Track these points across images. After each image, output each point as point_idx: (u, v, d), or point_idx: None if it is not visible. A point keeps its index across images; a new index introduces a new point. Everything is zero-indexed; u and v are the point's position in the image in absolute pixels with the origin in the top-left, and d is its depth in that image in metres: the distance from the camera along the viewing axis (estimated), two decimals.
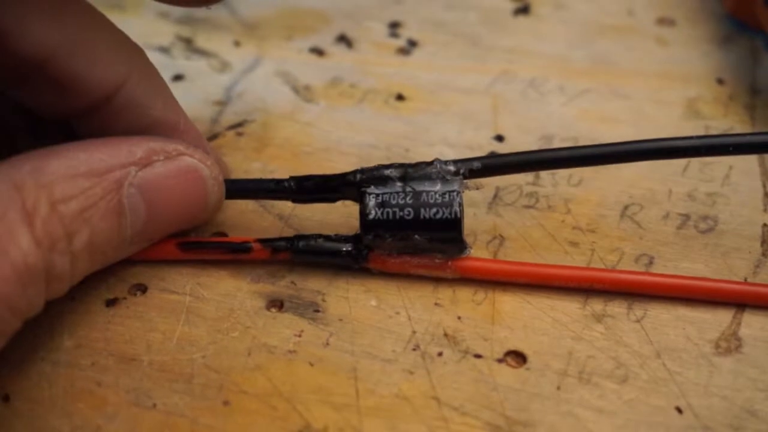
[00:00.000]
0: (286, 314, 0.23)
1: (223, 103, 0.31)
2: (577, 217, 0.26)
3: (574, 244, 0.25)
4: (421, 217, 0.23)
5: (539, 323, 0.23)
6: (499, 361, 0.22)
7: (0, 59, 0.21)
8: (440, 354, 0.22)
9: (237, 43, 0.34)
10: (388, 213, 0.23)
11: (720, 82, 0.31)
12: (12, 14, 0.21)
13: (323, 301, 0.24)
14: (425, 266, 0.24)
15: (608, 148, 0.24)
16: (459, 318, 0.23)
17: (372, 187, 0.23)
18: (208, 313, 0.23)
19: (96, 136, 0.23)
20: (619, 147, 0.24)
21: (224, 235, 0.26)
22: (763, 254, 0.25)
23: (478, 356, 0.22)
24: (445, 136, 0.29)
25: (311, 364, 0.22)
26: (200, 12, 0.35)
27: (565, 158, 0.24)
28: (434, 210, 0.23)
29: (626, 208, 0.26)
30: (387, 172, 0.23)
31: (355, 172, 0.24)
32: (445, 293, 0.24)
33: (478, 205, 0.26)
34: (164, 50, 0.34)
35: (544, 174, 0.27)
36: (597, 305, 0.23)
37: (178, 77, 0.32)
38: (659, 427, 0.21)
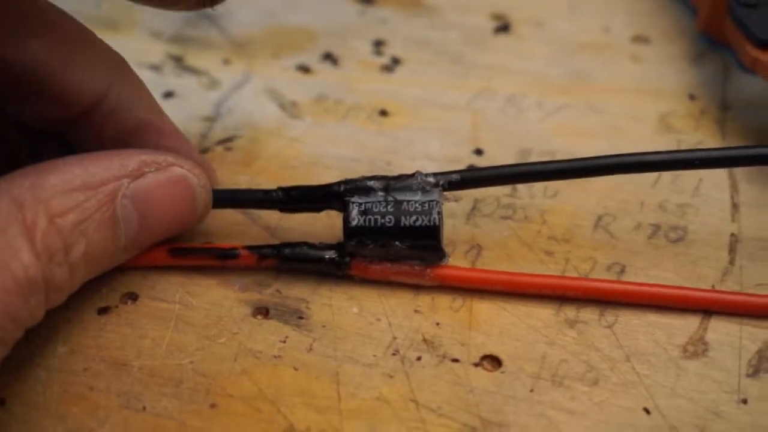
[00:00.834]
0: (272, 321, 0.24)
1: (212, 119, 0.32)
2: (552, 227, 0.27)
3: (549, 253, 0.26)
4: (402, 224, 0.24)
5: (514, 329, 0.24)
6: (476, 365, 0.23)
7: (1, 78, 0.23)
8: (419, 358, 0.23)
9: (226, 61, 0.35)
10: (370, 220, 0.24)
11: (692, 97, 0.32)
12: (8, 34, 0.22)
13: (307, 308, 0.25)
14: (405, 273, 0.25)
15: (583, 162, 0.25)
16: (437, 324, 0.24)
17: (355, 196, 0.24)
18: (197, 320, 0.24)
19: (88, 141, 0.25)
20: (593, 161, 0.25)
21: None
22: (730, 262, 0.26)
23: (455, 360, 0.23)
24: (427, 151, 0.30)
25: (295, 369, 0.23)
26: (191, 31, 0.36)
27: (541, 172, 0.25)
28: (414, 218, 0.24)
29: (600, 218, 0.27)
30: (370, 183, 0.25)
31: (339, 183, 0.25)
32: (424, 300, 0.25)
33: (457, 216, 0.27)
34: (155, 68, 0.35)
35: (521, 186, 0.28)
36: (570, 312, 0.24)
37: (168, 94, 0.33)
38: (628, 427, 0.22)
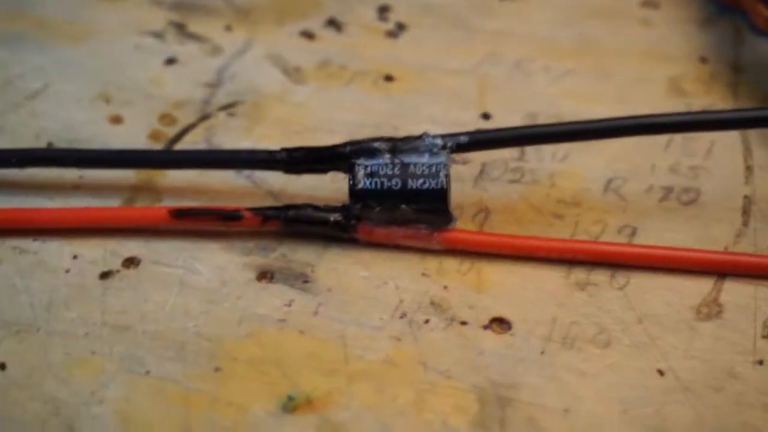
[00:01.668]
0: (277, 285, 0.24)
1: (214, 86, 0.31)
2: (561, 190, 0.27)
3: (558, 216, 0.26)
4: (409, 187, 0.23)
5: (524, 292, 0.24)
6: (485, 327, 0.23)
7: None
8: (427, 321, 0.23)
9: (228, 28, 0.34)
10: (376, 183, 0.24)
11: (703, 60, 0.32)
12: None
13: (312, 272, 0.24)
14: (412, 237, 0.24)
15: (594, 124, 0.24)
16: (445, 287, 0.24)
17: (361, 158, 0.24)
18: (200, 284, 0.24)
19: None
20: (604, 123, 0.24)
21: None
22: (744, 224, 0.25)
23: (464, 323, 0.23)
24: (433, 115, 0.30)
25: (301, 332, 0.23)
26: None
27: (552, 133, 0.25)
28: (421, 181, 0.23)
29: (610, 181, 0.27)
30: (376, 144, 0.24)
31: (345, 144, 0.24)
32: (431, 264, 0.24)
33: (464, 180, 0.27)
34: (157, 35, 0.34)
35: (530, 150, 0.28)
36: (580, 274, 0.24)
37: (170, 61, 0.33)
38: (641, 388, 0.21)
